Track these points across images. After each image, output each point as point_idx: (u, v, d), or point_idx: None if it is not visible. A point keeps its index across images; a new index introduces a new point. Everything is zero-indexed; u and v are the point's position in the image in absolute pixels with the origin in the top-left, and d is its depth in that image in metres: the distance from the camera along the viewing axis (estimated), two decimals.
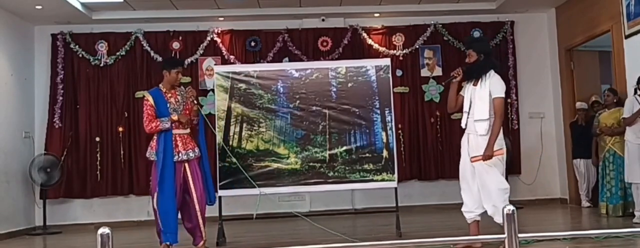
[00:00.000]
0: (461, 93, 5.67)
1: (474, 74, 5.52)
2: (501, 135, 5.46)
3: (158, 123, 5.75)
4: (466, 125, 5.57)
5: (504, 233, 3.00)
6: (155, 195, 5.72)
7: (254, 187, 6.52)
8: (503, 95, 5.43)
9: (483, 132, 5.40)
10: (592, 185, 8.88)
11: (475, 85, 5.50)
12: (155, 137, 5.86)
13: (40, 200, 9.03)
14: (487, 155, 5.35)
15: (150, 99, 5.83)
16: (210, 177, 6.15)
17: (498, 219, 5.34)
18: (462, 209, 5.61)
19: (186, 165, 5.86)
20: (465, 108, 5.55)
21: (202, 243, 5.93)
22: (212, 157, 8.54)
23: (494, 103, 5.39)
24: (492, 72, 5.49)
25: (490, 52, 5.69)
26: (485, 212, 5.48)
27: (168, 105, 5.85)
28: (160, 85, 6.00)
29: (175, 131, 5.83)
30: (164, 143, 5.76)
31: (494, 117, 5.39)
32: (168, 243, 5.78)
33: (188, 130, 5.95)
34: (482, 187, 5.43)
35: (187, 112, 5.96)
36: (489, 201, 5.39)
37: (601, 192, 7.83)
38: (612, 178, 7.59)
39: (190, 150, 5.88)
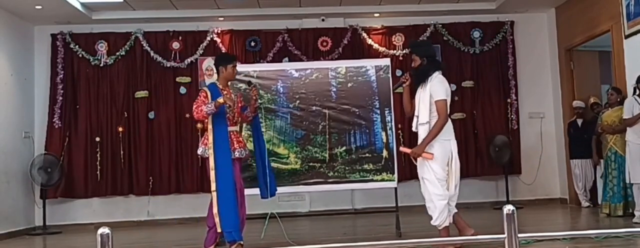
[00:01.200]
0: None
1: (420, 78, 5.52)
2: (442, 137, 5.36)
3: (203, 107, 5.57)
4: (417, 128, 5.57)
5: (504, 233, 2.99)
6: (215, 194, 5.57)
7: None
8: (443, 97, 5.34)
9: (423, 136, 5.42)
10: (589, 185, 8.89)
11: (422, 88, 5.50)
12: (207, 134, 5.71)
13: (40, 200, 9.03)
14: (415, 152, 5.35)
15: (208, 91, 5.70)
16: (272, 171, 6.04)
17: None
18: None
19: (236, 162, 5.75)
20: (416, 112, 5.55)
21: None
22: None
23: (436, 105, 5.36)
24: (435, 73, 5.46)
25: (433, 54, 5.69)
26: (456, 212, 5.49)
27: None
28: (216, 81, 5.85)
29: (229, 128, 5.71)
30: (220, 140, 5.61)
31: (437, 119, 5.34)
32: (238, 241, 5.61)
33: (237, 128, 5.87)
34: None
35: (237, 110, 5.85)
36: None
37: (604, 192, 7.81)
38: (614, 177, 7.56)
39: (242, 149, 5.80)
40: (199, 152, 5.76)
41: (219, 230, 5.58)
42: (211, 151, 5.60)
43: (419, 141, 5.47)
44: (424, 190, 5.47)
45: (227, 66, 5.78)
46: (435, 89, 5.36)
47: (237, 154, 5.71)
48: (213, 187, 5.57)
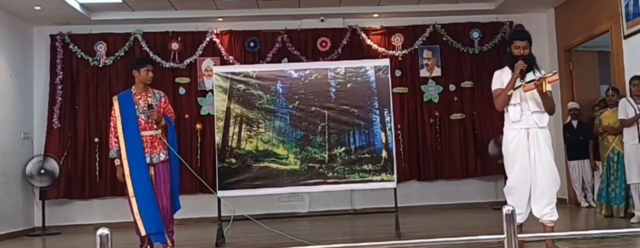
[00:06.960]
0: None
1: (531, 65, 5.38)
2: None
3: (111, 144, 5.78)
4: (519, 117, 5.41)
5: (503, 233, 2.99)
6: (134, 199, 5.68)
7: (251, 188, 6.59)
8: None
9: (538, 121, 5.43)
10: (589, 186, 8.87)
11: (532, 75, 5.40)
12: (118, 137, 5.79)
13: (39, 201, 9.02)
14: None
15: (117, 103, 5.76)
16: (178, 183, 6.04)
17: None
18: None
19: (152, 167, 5.79)
20: (518, 100, 5.34)
21: None
22: (210, 157, 8.54)
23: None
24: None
25: None
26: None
27: (136, 107, 5.78)
28: (132, 88, 5.93)
29: (143, 133, 5.76)
30: (131, 146, 5.69)
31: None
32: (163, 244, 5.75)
33: (156, 132, 5.83)
34: None
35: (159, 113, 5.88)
36: None
37: (606, 192, 7.77)
38: (617, 178, 7.52)
39: (159, 153, 5.80)
40: (110, 155, 5.86)
41: (142, 233, 5.69)
42: (125, 159, 5.68)
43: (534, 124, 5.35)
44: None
45: (141, 70, 5.85)
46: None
47: (154, 159, 5.74)
48: (131, 192, 5.69)
